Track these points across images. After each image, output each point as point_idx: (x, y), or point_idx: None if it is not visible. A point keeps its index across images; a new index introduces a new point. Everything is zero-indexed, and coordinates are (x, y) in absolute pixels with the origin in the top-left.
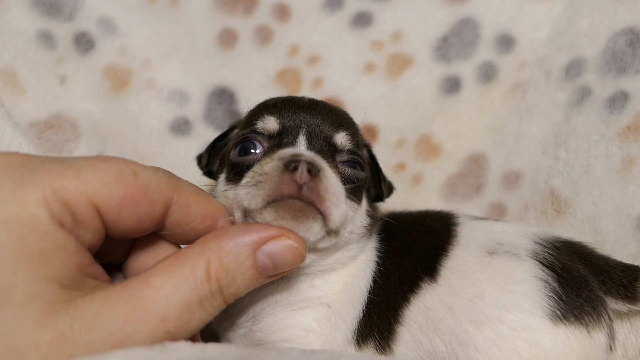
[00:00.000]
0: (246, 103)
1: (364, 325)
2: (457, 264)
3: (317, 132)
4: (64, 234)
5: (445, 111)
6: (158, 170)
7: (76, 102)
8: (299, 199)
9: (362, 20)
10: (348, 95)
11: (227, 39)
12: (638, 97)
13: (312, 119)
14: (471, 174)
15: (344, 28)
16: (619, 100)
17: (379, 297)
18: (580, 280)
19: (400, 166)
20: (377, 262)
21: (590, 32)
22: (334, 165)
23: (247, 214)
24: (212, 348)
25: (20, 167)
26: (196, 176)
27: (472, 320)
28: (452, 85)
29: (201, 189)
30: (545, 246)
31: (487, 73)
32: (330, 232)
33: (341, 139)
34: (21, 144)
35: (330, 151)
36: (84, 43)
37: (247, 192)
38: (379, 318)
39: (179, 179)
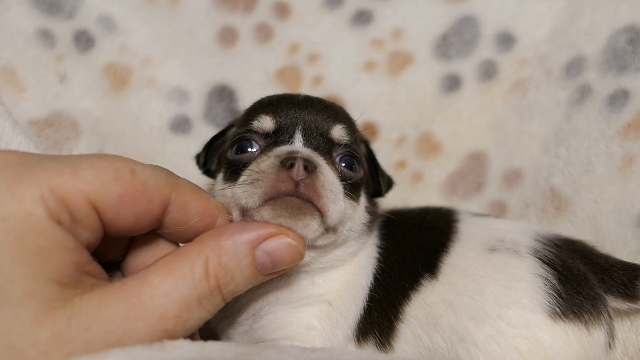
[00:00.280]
0: (242, 102)
1: (364, 322)
2: (457, 261)
3: (314, 128)
4: (61, 232)
5: (446, 109)
6: (156, 168)
7: (76, 100)
8: (296, 196)
9: (363, 18)
10: (348, 93)
11: (227, 37)
12: (638, 95)
13: (308, 116)
14: (472, 172)
15: (344, 26)
16: (619, 98)
17: (380, 295)
18: (581, 278)
19: (401, 164)
20: (378, 259)
21: (591, 30)
22: (331, 162)
23: (244, 212)
24: (211, 346)
25: (18, 164)
26: (196, 175)
27: (472, 317)
28: (453, 84)
29: (200, 187)
30: (545, 244)
31: (488, 71)
32: (329, 229)
33: (338, 132)
34: (21, 142)
35: (327, 147)
36: (83, 41)
37: (244, 191)
38: (380, 315)
39: (178, 177)
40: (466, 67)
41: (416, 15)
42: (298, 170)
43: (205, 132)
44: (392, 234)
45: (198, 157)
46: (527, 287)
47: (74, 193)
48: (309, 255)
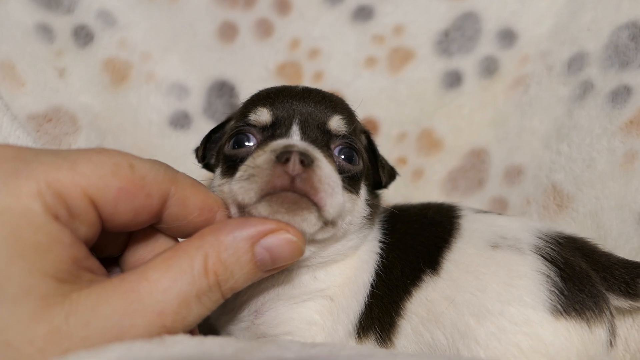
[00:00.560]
0: (241, 98)
1: (365, 318)
2: (459, 257)
3: (311, 120)
4: (58, 227)
5: (447, 105)
6: (155, 162)
7: (75, 95)
8: (293, 191)
9: (363, 13)
10: (349, 89)
11: (227, 32)
12: None
13: (305, 108)
14: (473, 168)
15: (345, 21)
16: (621, 94)
17: (381, 291)
18: (583, 276)
19: (402, 160)
20: (380, 254)
21: (592, 26)
22: (329, 155)
23: (242, 208)
24: (211, 341)
25: (14, 159)
26: (196, 170)
27: (474, 314)
28: (454, 80)
29: (199, 182)
30: (547, 241)
31: (489, 67)
32: (328, 223)
33: (335, 123)
34: (19, 137)
35: (325, 139)
36: (83, 36)
37: (240, 187)
38: (381, 311)
39: (177, 171)
40: (467, 63)
41: (417, 11)
42: (294, 165)
43: (204, 128)
44: (395, 229)
45: (197, 151)
46: (529, 284)
47: (71, 187)
48: (309, 250)
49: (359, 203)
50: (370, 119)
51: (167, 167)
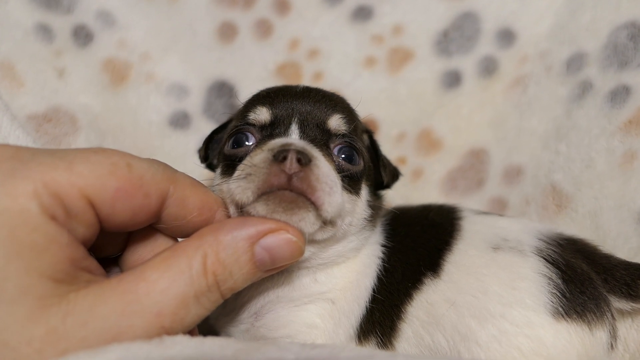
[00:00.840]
0: (241, 97)
1: (366, 322)
2: (461, 259)
3: (310, 119)
4: (55, 227)
5: (446, 105)
6: (153, 162)
7: (75, 95)
8: (290, 190)
9: (363, 13)
10: (348, 89)
11: (227, 32)
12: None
13: (304, 107)
14: (472, 168)
15: (344, 22)
16: (620, 94)
17: (383, 295)
18: (584, 278)
19: (401, 160)
20: (382, 258)
21: (591, 26)
22: (328, 154)
23: (240, 207)
24: (210, 342)
25: (11, 159)
26: (195, 169)
27: (475, 316)
28: (453, 80)
29: (198, 182)
30: (549, 243)
31: (488, 67)
32: (327, 223)
33: (335, 122)
34: (19, 137)
35: (324, 138)
36: (82, 36)
37: (237, 186)
38: (382, 315)
39: (175, 171)
40: (466, 63)
41: (417, 11)
42: (291, 163)
43: (204, 128)
44: (396, 232)
45: (200, 152)
46: (530, 286)
47: (68, 187)
48: (308, 251)
49: (360, 204)
50: (370, 119)
51: (166, 167)
